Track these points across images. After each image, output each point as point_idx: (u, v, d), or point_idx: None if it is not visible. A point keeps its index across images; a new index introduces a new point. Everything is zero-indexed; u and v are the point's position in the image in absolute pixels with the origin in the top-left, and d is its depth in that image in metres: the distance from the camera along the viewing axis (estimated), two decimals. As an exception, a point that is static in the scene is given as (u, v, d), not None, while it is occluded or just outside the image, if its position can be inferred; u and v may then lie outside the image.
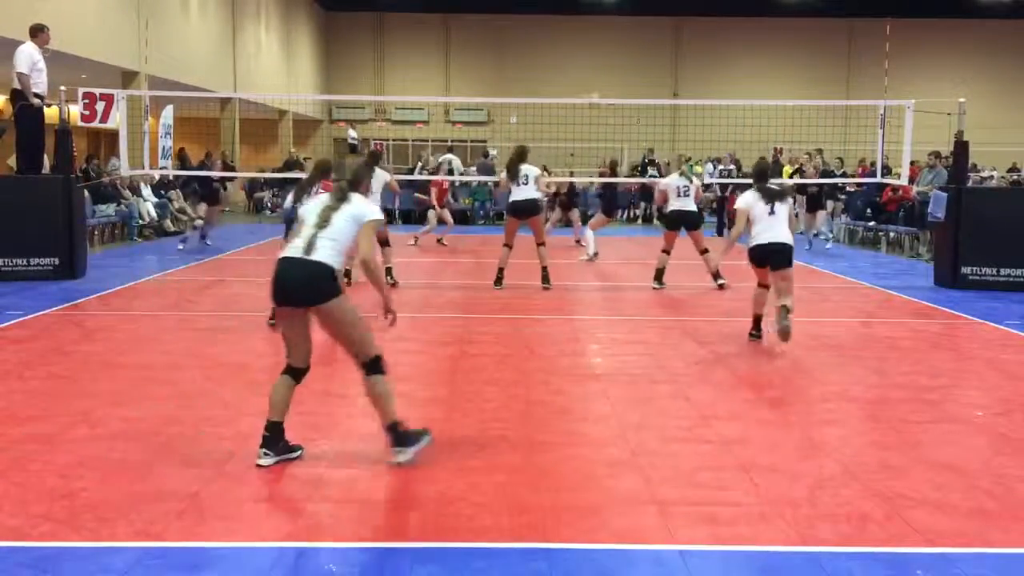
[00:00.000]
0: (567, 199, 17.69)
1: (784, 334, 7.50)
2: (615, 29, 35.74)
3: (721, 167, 23.48)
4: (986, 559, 3.74)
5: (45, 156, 12.57)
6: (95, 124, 13.71)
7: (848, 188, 19.79)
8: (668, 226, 11.65)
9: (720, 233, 18.81)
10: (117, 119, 13.54)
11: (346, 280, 10.88)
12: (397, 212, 22.97)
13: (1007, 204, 12.10)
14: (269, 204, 25.17)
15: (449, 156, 22.64)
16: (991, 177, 23.20)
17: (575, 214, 17.52)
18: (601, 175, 18.38)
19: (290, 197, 8.58)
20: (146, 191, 18.37)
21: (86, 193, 14.35)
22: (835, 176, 18.92)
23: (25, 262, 11.22)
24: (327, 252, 4.64)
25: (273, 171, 23.70)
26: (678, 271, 11.99)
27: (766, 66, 35.42)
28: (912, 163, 16.35)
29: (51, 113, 12.18)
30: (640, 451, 5.00)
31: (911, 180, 16.41)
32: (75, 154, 13.57)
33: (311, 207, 4.86)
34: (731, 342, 8.14)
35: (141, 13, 19.92)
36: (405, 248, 15.61)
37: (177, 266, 13.21)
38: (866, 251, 17.36)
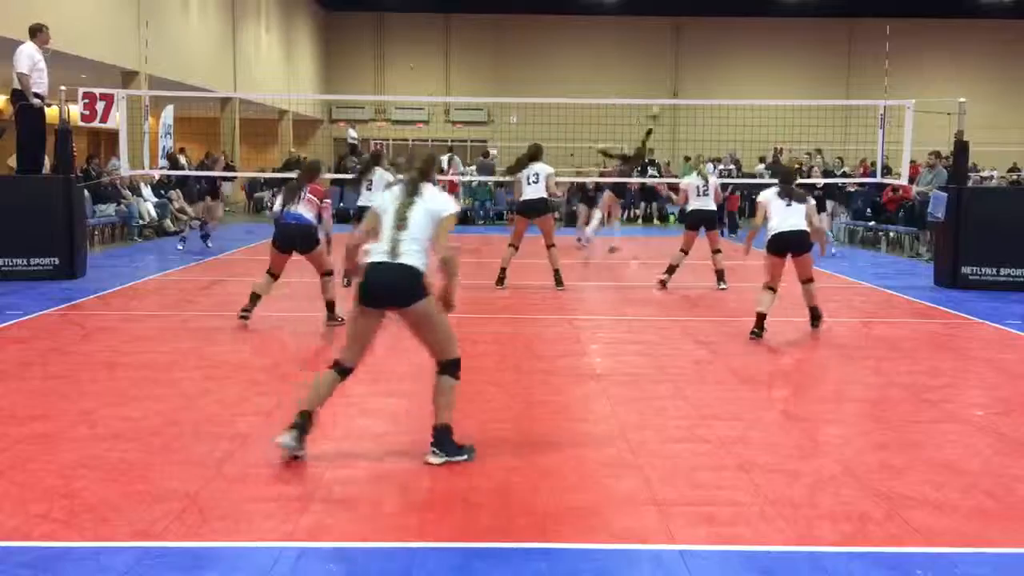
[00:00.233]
0: (592, 196, 17.12)
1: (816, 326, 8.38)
2: (615, 29, 35.72)
3: (721, 167, 23.48)
4: (986, 559, 3.74)
5: (46, 156, 12.58)
6: (95, 124, 13.72)
7: (848, 188, 19.79)
8: (688, 226, 11.59)
9: (720, 233, 18.79)
10: (117, 119, 13.55)
11: (346, 281, 10.94)
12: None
13: (1007, 204, 12.10)
14: (269, 204, 25.17)
15: (450, 156, 22.66)
16: (991, 177, 23.21)
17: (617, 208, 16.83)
18: (603, 174, 18.40)
19: (279, 200, 8.56)
20: (146, 191, 18.38)
21: (86, 193, 14.36)
22: (835, 176, 18.93)
23: (25, 262, 11.22)
24: (412, 254, 4.71)
25: (273, 171, 23.71)
26: (681, 270, 11.98)
27: (766, 66, 35.41)
28: (912, 163, 16.36)
29: (51, 113, 12.19)
30: (640, 451, 5.00)
31: (911, 180, 16.42)
32: (75, 154, 13.56)
33: (385, 202, 4.90)
34: (731, 342, 8.14)
35: (141, 13, 19.91)
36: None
37: (177, 266, 13.21)
38: (866, 251, 17.36)
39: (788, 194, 8.25)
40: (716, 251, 11.47)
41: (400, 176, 5.11)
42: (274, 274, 8.49)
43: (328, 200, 8.64)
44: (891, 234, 17.56)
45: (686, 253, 11.40)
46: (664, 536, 3.89)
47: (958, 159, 12.15)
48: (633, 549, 3.77)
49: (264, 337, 8.05)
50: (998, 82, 35.04)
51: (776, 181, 8.75)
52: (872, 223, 18.43)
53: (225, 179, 24.44)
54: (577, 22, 35.76)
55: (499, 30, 36.07)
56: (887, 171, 16.82)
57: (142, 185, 18.19)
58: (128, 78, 19.85)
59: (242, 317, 8.37)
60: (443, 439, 4.76)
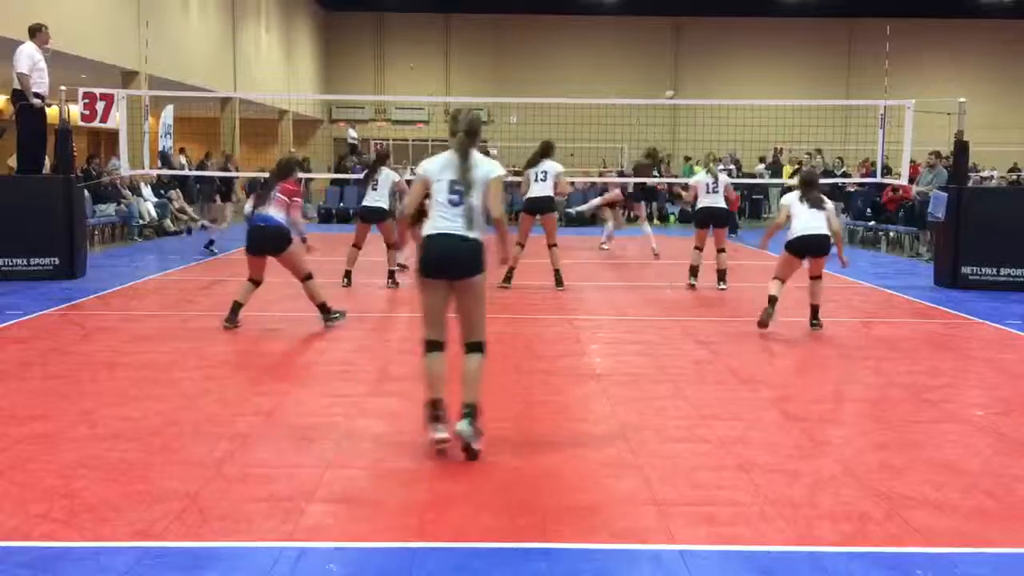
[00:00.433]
0: (629, 196, 16.59)
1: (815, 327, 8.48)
2: (615, 29, 35.72)
3: (721, 167, 23.47)
4: (986, 559, 3.74)
5: (46, 156, 12.58)
6: (95, 124, 13.73)
7: (848, 188, 19.81)
8: (698, 223, 11.57)
9: (733, 232, 18.79)
10: (117, 119, 13.55)
11: (345, 282, 10.93)
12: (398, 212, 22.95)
13: (1007, 204, 12.10)
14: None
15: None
16: (991, 177, 23.22)
17: (640, 209, 16.59)
18: (602, 174, 18.37)
19: (249, 203, 8.45)
20: (146, 191, 18.38)
21: (86, 193, 14.36)
22: (835, 176, 18.93)
23: (25, 262, 11.22)
24: (472, 225, 4.80)
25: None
26: (682, 271, 11.97)
27: (766, 66, 35.41)
28: (912, 163, 16.36)
29: (51, 113, 12.19)
30: (640, 451, 5.00)
31: (911, 180, 16.42)
32: (75, 154, 13.56)
33: (434, 170, 4.88)
34: (731, 342, 8.15)
35: (141, 13, 19.91)
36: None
37: (177, 266, 13.21)
38: (866, 251, 17.36)
39: (811, 202, 8.47)
40: (721, 250, 11.45)
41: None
42: (255, 280, 8.28)
43: (298, 199, 8.32)
44: (891, 234, 17.56)
45: (701, 250, 11.35)
46: (664, 536, 3.89)
47: (958, 159, 12.15)
48: (633, 549, 3.77)
49: (264, 337, 8.04)
50: (998, 82, 35.05)
51: (800, 184, 8.94)
52: (872, 223, 18.43)
53: (225, 179, 24.49)
54: (577, 22, 35.76)
55: (499, 30, 36.07)
56: (887, 171, 16.83)
57: (142, 185, 18.19)
58: (128, 78, 19.85)
59: (226, 327, 8.15)
60: (474, 416, 4.83)
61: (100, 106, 13.33)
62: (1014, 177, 26.33)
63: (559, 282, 10.94)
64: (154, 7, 20.51)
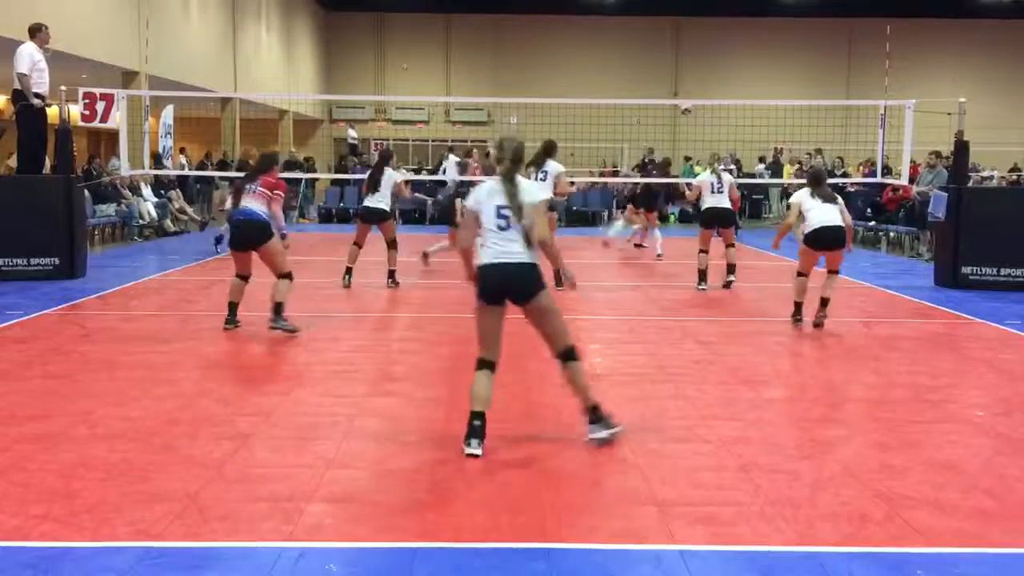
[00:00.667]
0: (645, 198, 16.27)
1: (818, 325, 8.60)
2: (615, 29, 35.71)
3: (721, 167, 23.48)
4: (986, 559, 3.74)
5: (46, 156, 12.57)
6: (95, 124, 13.73)
7: (848, 188, 19.81)
8: (703, 224, 11.52)
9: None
10: (117, 119, 13.56)
11: (347, 280, 10.93)
12: (398, 212, 22.95)
13: (1007, 204, 12.10)
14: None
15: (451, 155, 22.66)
16: (991, 177, 23.21)
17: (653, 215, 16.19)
18: (603, 174, 18.35)
19: (229, 200, 8.34)
20: (146, 191, 18.38)
21: (86, 193, 14.36)
22: (835, 176, 18.94)
23: (25, 262, 11.22)
24: (524, 248, 4.96)
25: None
26: (682, 271, 11.97)
27: (766, 66, 35.40)
28: (912, 163, 16.35)
29: (51, 113, 12.19)
30: (640, 451, 5.00)
31: (911, 180, 16.42)
32: (75, 154, 13.56)
33: (481, 199, 5.02)
34: (731, 342, 8.15)
35: (141, 13, 19.91)
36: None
37: (177, 266, 13.21)
38: (866, 251, 17.36)
39: (823, 197, 8.63)
40: (730, 245, 11.43)
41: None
42: (242, 276, 8.22)
43: (279, 192, 8.11)
44: (891, 234, 17.56)
45: (707, 253, 11.29)
46: (664, 536, 3.89)
47: (958, 159, 12.15)
48: (633, 549, 3.77)
49: (264, 337, 8.04)
50: (998, 82, 35.03)
51: (808, 182, 9.07)
52: (872, 223, 18.43)
53: (225, 179, 24.48)
54: (577, 22, 35.77)
55: (499, 30, 36.07)
56: (887, 171, 16.83)
57: (142, 185, 18.19)
58: (128, 78, 19.85)
59: (227, 328, 8.11)
60: (599, 416, 5.00)
61: (100, 106, 13.33)
62: (1014, 177, 26.31)
63: (559, 282, 10.90)
64: (154, 7, 20.51)
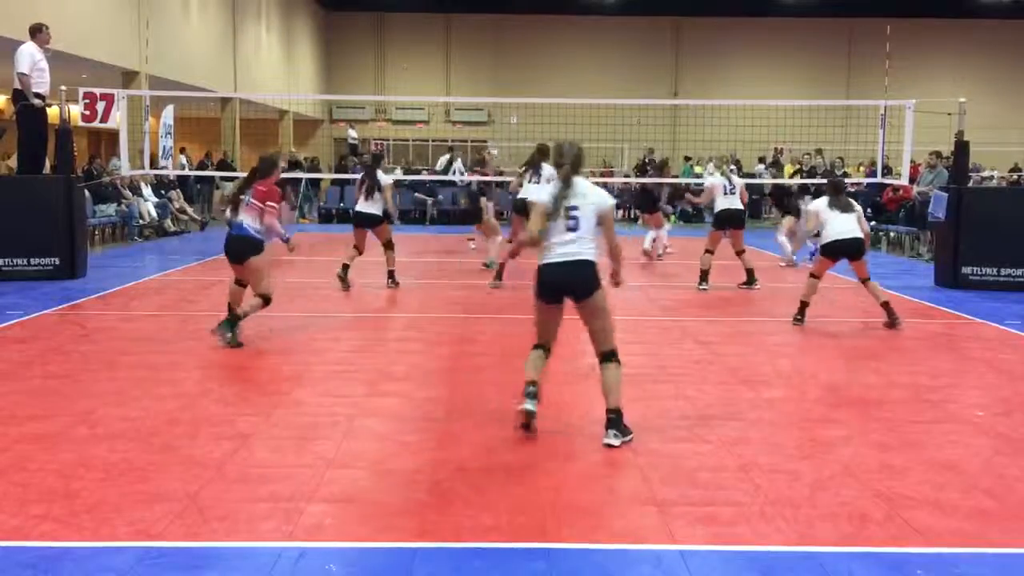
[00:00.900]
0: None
1: (893, 326, 8.76)
2: (615, 29, 35.71)
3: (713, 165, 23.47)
4: (986, 559, 3.74)
5: (46, 156, 12.57)
6: (95, 124, 13.73)
7: (849, 189, 19.81)
8: (716, 225, 11.47)
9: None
10: (117, 119, 13.56)
11: (343, 281, 10.90)
12: (396, 212, 22.92)
13: (1007, 204, 12.10)
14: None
15: (450, 156, 22.63)
16: (991, 177, 23.21)
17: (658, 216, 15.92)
18: (603, 174, 18.35)
19: (229, 208, 7.90)
20: (147, 191, 18.37)
21: (87, 193, 14.36)
22: (836, 175, 18.92)
23: (26, 262, 11.23)
24: (585, 249, 5.16)
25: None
26: (682, 271, 11.97)
27: (766, 66, 35.41)
28: (912, 163, 16.35)
29: (52, 113, 12.19)
30: (640, 451, 5.00)
31: (912, 180, 16.41)
32: (76, 154, 13.56)
33: (543, 197, 5.27)
34: (732, 342, 8.15)
35: (141, 13, 19.92)
36: (421, 248, 15.58)
37: (177, 266, 13.21)
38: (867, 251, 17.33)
39: (841, 204, 8.80)
40: (741, 252, 11.40)
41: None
42: (240, 283, 7.95)
43: (272, 203, 7.65)
44: (891, 234, 17.56)
45: (712, 253, 11.27)
46: (664, 536, 3.89)
47: (958, 159, 12.15)
48: (633, 549, 3.77)
49: (264, 338, 8.03)
50: (998, 82, 35.03)
51: (826, 190, 9.25)
52: (872, 223, 18.40)
53: (226, 179, 24.50)
54: (577, 22, 35.77)
55: (499, 30, 36.07)
56: (887, 171, 16.83)
57: (142, 185, 18.18)
58: (128, 78, 19.85)
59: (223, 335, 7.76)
60: (619, 421, 5.11)
61: (100, 106, 13.33)
62: (1015, 177, 26.31)
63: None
64: (154, 7, 20.52)
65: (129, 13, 19.68)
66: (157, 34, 20.02)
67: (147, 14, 19.93)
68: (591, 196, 5.24)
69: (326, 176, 24.98)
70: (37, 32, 11.61)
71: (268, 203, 7.62)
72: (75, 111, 13.30)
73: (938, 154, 15.90)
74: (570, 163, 5.26)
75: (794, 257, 14.08)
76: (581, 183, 5.27)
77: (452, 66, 36.87)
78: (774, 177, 21.40)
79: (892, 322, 8.75)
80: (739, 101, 22.74)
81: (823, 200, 8.97)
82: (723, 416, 5.71)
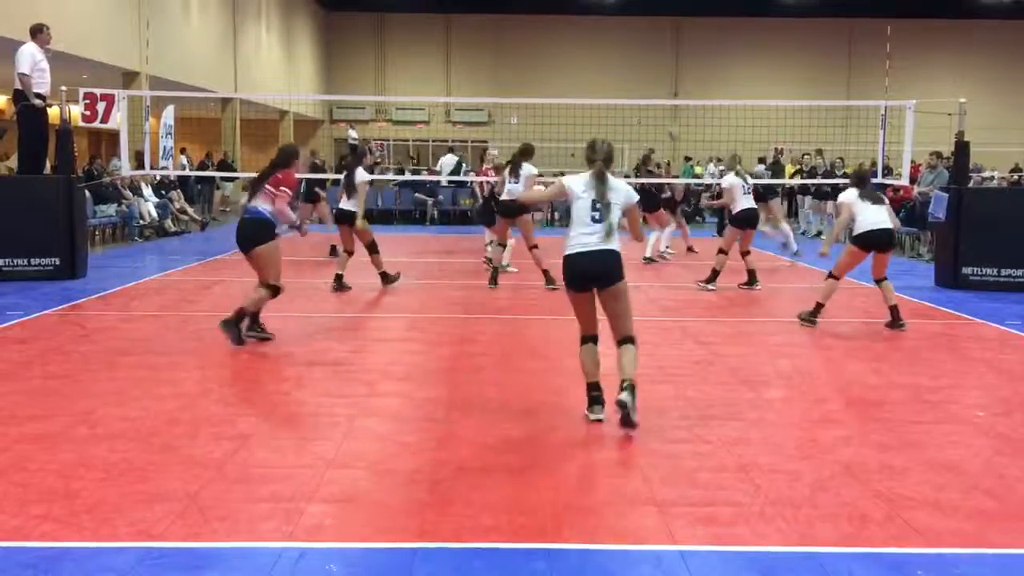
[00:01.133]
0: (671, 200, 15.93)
1: (898, 327, 8.73)
2: (615, 29, 35.74)
3: (723, 167, 23.47)
4: (986, 559, 3.74)
5: (47, 157, 12.57)
6: (96, 124, 13.72)
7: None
8: (737, 225, 11.38)
9: (720, 233, 18.78)
10: (118, 119, 13.55)
11: (341, 286, 10.86)
12: (396, 212, 22.98)
13: (1008, 204, 12.10)
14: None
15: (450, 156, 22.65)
16: (991, 178, 23.20)
17: (677, 216, 16.01)
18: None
19: (244, 197, 8.10)
20: (147, 191, 18.38)
21: (87, 193, 14.36)
22: (836, 176, 18.93)
23: (26, 262, 11.23)
24: (612, 240, 5.48)
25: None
26: (683, 271, 11.97)
27: (766, 66, 35.42)
28: (913, 163, 16.34)
29: (52, 113, 12.19)
30: (640, 451, 5.00)
31: (912, 180, 16.40)
32: (76, 154, 13.56)
33: (577, 190, 5.53)
34: (732, 342, 8.15)
35: (142, 13, 19.92)
36: (417, 248, 15.57)
37: (178, 266, 13.21)
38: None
39: (871, 199, 8.74)
40: (746, 252, 11.39)
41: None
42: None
43: (284, 188, 7.60)
44: (892, 234, 17.52)
45: (726, 254, 11.24)
46: (664, 536, 3.89)
47: (959, 160, 12.15)
48: (633, 549, 3.77)
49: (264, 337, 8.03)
50: (999, 82, 35.05)
51: (853, 183, 9.17)
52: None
53: (226, 179, 24.52)
54: (577, 22, 35.79)
55: (499, 30, 36.09)
56: (888, 171, 16.83)
57: (143, 185, 18.18)
58: (129, 78, 19.85)
59: (250, 336, 7.76)
60: (634, 390, 5.32)
61: (101, 107, 13.33)
62: (1015, 178, 26.30)
63: (548, 280, 10.86)
64: (155, 8, 20.52)
65: (129, 13, 19.69)
66: (157, 34, 20.02)
67: (147, 14, 19.93)
68: (619, 191, 5.55)
69: (329, 176, 24.94)
70: (38, 32, 11.61)
71: (280, 188, 7.60)
72: (75, 111, 13.30)
73: (939, 154, 15.89)
74: (602, 159, 5.54)
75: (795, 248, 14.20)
76: (611, 179, 5.55)
77: (452, 66, 36.88)
78: (773, 177, 21.39)
79: (895, 324, 8.71)
80: (739, 101, 22.73)
81: (853, 192, 8.85)
82: (723, 416, 5.71)
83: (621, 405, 5.21)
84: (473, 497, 4.28)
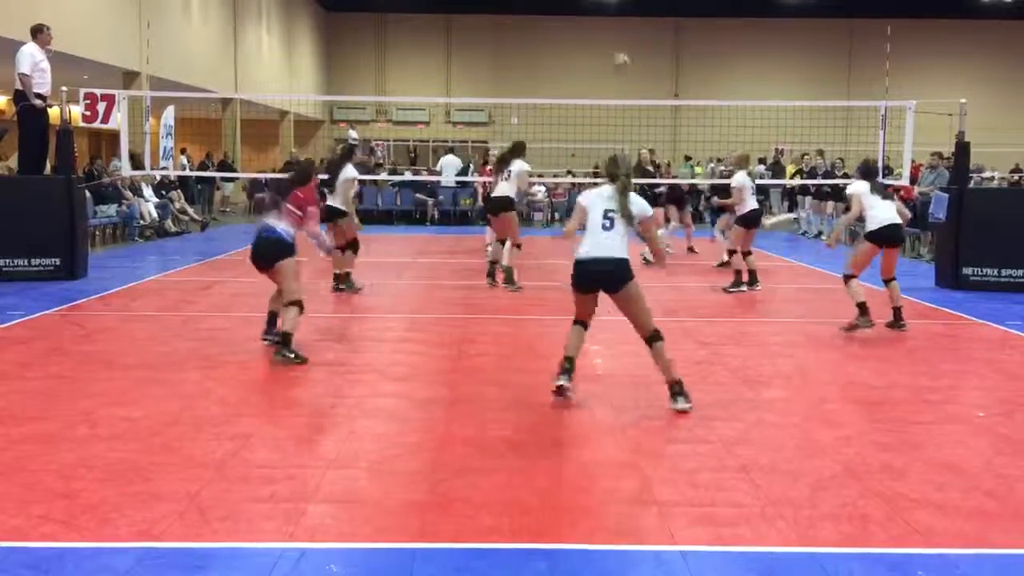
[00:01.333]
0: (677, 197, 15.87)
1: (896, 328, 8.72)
2: (615, 29, 35.74)
3: (723, 167, 23.49)
4: (987, 560, 3.74)
5: (47, 157, 12.57)
6: (96, 125, 13.73)
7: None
8: (749, 225, 11.32)
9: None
10: (118, 120, 13.56)
11: (343, 287, 10.85)
12: (395, 212, 22.97)
13: (1008, 205, 12.09)
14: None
15: (451, 156, 22.66)
16: (992, 178, 23.20)
17: (687, 215, 16.11)
18: (596, 174, 18.30)
19: (269, 213, 7.83)
20: (147, 191, 18.38)
21: (87, 193, 14.36)
22: (836, 176, 18.94)
23: (26, 262, 11.23)
24: (620, 247, 5.78)
25: (274, 172, 23.72)
26: (682, 271, 11.97)
27: (766, 66, 35.43)
28: (913, 163, 16.34)
29: (52, 114, 12.19)
30: (640, 451, 5.00)
31: (913, 181, 16.40)
32: (76, 155, 13.56)
33: (593, 201, 5.88)
34: (732, 343, 8.15)
35: (142, 14, 19.93)
36: (416, 248, 15.58)
37: (178, 267, 13.21)
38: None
39: (880, 189, 8.71)
40: (748, 253, 11.39)
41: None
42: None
43: (312, 207, 7.44)
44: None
45: (751, 253, 11.23)
46: (664, 536, 3.89)
47: (959, 160, 12.14)
48: (633, 549, 3.77)
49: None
50: (999, 82, 35.07)
51: (862, 177, 9.04)
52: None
53: (226, 180, 24.53)
54: (577, 22, 35.79)
55: (499, 30, 36.11)
56: (888, 172, 16.82)
57: (143, 185, 18.18)
58: (129, 79, 19.86)
59: (265, 340, 7.64)
60: (681, 390, 5.74)
61: (101, 107, 13.34)
62: (1015, 178, 26.30)
63: (508, 279, 10.84)
64: (155, 8, 20.53)
65: (130, 14, 19.70)
66: (158, 35, 20.03)
67: (148, 15, 19.94)
68: (634, 205, 5.86)
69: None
70: (38, 33, 11.61)
71: (308, 209, 7.38)
72: (76, 112, 13.30)
73: (939, 155, 15.88)
74: (625, 173, 5.88)
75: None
76: (631, 194, 5.90)
77: (452, 66, 36.90)
78: (774, 177, 21.41)
79: (896, 325, 8.68)
80: (739, 101, 22.76)
81: (864, 185, 8.69)
82: (723, 416, 5.70)
83: (681, 412, 5.66)
84: (473, 497, 4.28)
